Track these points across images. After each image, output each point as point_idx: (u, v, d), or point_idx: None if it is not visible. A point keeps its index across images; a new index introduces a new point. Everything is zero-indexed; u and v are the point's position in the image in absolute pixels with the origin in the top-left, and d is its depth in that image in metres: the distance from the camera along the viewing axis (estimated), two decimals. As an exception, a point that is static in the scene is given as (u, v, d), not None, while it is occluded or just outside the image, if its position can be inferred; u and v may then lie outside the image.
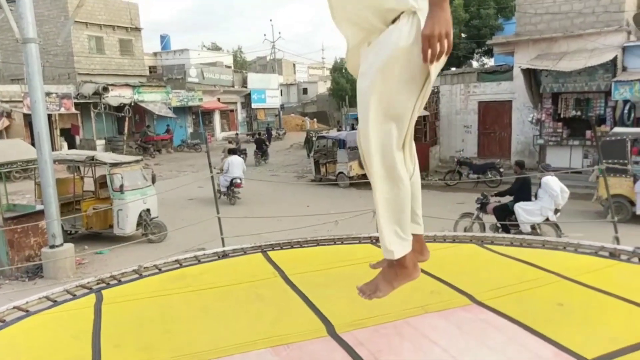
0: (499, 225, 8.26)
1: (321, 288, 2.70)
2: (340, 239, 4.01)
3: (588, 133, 14.28)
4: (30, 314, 2.78)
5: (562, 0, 15.27)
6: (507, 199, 8.51)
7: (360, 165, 15.39)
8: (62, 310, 2.77)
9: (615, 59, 13.66)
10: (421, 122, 17.56)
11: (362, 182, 13.99)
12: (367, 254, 3.54)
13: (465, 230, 8.27)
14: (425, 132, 17.91)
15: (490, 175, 14.48)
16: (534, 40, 15.52)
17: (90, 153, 10.89)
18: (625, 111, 13.40)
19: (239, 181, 13.10)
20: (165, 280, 3.17)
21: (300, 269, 2.98)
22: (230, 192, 13.17)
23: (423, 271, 2.31)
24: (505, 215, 8.26)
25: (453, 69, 23.58)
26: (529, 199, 8.14)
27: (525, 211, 7.93)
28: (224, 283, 2.83)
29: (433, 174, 16.79)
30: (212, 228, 7.25)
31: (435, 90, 18.41)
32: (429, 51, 1.43)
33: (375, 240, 3.94)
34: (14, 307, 2.90)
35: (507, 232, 7.93)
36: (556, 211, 7.87)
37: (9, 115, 20.38)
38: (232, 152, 14.90)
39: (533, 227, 7.94)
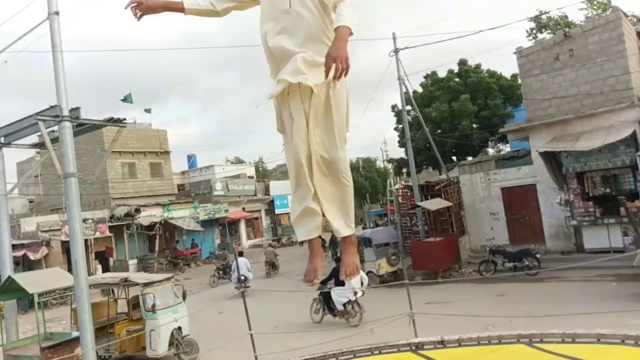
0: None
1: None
2: (378, 347, 3.84)
3: (623, 210, 13.90)
4: None
5: (567, 84, 15.76)
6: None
7: (389, 263, 15.31)
8: None
9: (634, 133, 13.71)
10: (445, 214, 17.43)
11: (391, 281, 13.66)
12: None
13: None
14: (452, 223, 17.70)
15: (527, 263, 13.94)
16: (547, 124, 15.80)
17: (124, 275, 11.09)
18: (656, 184, 13.14)
19: (243, 278, 15.20)
20: None
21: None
22: (240, 285, 14.38)
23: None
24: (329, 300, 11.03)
25: (470, 158, 23.95)
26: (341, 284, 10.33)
27: (337, 294, 10.87)
28: None
29: (466, 265, 16.31)
30: (245, 342, 7.07)
31: (456, 180, 18.52)
32: (333, 67, 1.84)
33: (414, 347, 3.75)
34: None
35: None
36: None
37: (48, 243, 21.15)
38: (240, 254, 17.12)
39: (344, 305, 10.85)
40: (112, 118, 9.61)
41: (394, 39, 17.68)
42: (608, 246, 14.30)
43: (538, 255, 14.08)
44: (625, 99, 14.56)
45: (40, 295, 8.49)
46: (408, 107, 20.36)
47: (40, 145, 11.30)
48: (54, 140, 9.12)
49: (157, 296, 9.66)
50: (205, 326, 11.32)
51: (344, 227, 2.35)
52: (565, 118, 15.46)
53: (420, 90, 27.93)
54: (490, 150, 28.72)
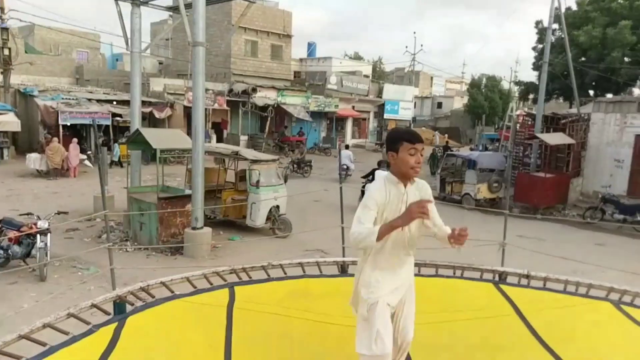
0: None
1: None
2: (462, 267, 3.89)
3: None
4: (176, 296, 3.22)
5: None
6: None
7: (489, 189, 14.87)
8: (201, 302, 3.16)
9: None
10: (564, 151, 16.21)
11: (487, 207, 13.38)
12: (488, 300, 3.37)
13: None
14: (568, 162, 16.48)
15: (639, 218, 12.85)
16: None
17: (235, 148, 11.96)
18: None
19: (345, 167, 17.06)
20: (290, 291, 3.42)
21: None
22: (342, 174, 16.11)
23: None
24: None
25: (609, 95, 21.37)
26: None
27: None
28: (343, 314, 2.85)
29: (571, 208, 15.41)
30: (334, 233, 7.57)
31: (586, 117, 16.87)
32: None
33: (498, 277, 3.77)
34: (161, 282, 3.41)
35: None
36: None
37: (172, 106, 23.13)
38: (346, 147, 20.32)
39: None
40: (245, -10, 9.75)
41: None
42: None
43: (657, 214, 12.91)
44: None
45: (162, 151, 9.34)
46: (555, 26, 18.16)
47: (174, 9, 11.88)
48: (188, 6, 9.55)
49: (262, 174, 10.43)
50: (301, 210, 12.16)
51: None
52: None
53: (574, 8, 24.63)
54: (636, 91, 25.30)
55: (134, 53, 11.15)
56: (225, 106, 25.81)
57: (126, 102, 18.12)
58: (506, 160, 15.72)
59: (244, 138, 26.81)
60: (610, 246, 10.97)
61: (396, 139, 2.45)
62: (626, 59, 22.59)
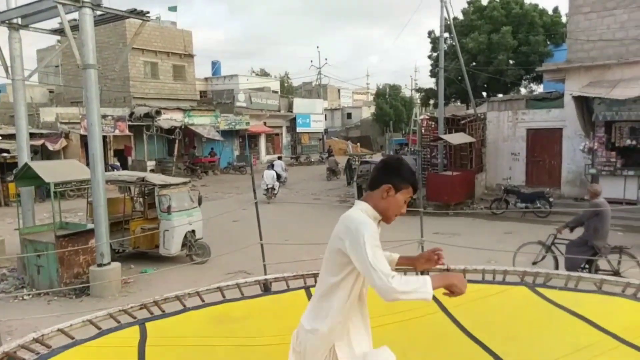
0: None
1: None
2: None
3: (645, 163, 13.55)
4: (76, 343, 2.82)
5: (616, 27, 14.77)
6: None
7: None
8: (106, 345, 2.79)
9: (676, 87, 13.00)
10: (467, 149, 17.23)
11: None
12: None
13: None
14: (471, 159, 17.54)
15: (539, 205, 13.94)
16: (586, 67, 15.05)
17: (141, 174, 11.29)
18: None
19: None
20: (209, 318, 3.14)
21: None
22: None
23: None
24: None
25: (500, 95, 23.15)
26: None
27: None
28: (269, 333, 2.72)
29: (479, 202, 16.36)
30: (255, 252, 7.32)
31: (482, 116, 18.09)
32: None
33: (420, 273, 3.77)
34: (59, 330, 2.99)
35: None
36: None
37: (67, 136, 21.51)
38: (279, 158, 22.24)
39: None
40: (135, 9, 9.30)
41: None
42: (622, 197, 14.12)
43: (551, 199, 14.08)
44: (676, 48, 13.66)
45: (56, 185, 8.56)
46: (446, 35, 19.35)
47: (60, 31, 11.01)
48: (75, 28, 8.90)
49: (173, 199, 9.90)
50: (219, 232, 11.71)
51: None
52: (607, 63, 14.67)
53: (461, 17, 26.51)
54: (523, 90, 27.71)
55: (16, 81, 10.14)
56: (127, 132, 24.48)
57: (13, 136, 16.52)
58: (416, 163, 16.36)
59: (151, 163, 25.56)
60: (517, 233, 11.70)
61: (405, 179, 2.16)
62: (511, 62, 24.68)
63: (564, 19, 23.86)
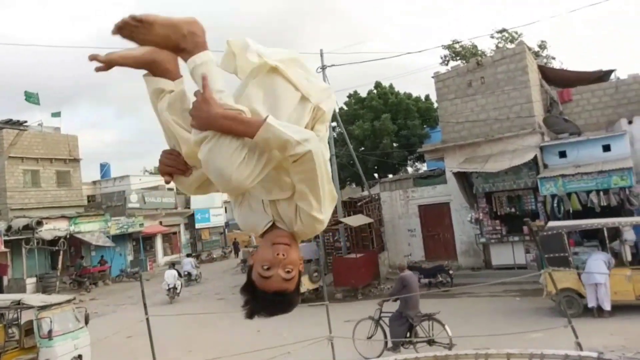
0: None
1: None
2: None
3: (525, 228, 14.84)
4: None
5: (479, 109, 16.74)
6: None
7: (311, 280, 15.22)
8: None
9: (535, 158, 14.77)
10: (367, 230, 17.70)
11: (313, 298, 13.54)
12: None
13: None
14: (372, 239, 17.99)
15: (440, 279, 14.46)
16: (460, 145, 16.63)
17: (17, 297, 9.95)
18: (555, 205, 14.17)
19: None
20: None
21: None
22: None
23: None
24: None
25: (390, 176, 24.66)
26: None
27: None
28: None
29: (385, 282, 16.59)
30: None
31: (377, 197, 18.92)
32: None
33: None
34: None
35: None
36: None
37: None
38: (187, 255, 22.19)
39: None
40: (11, 120, 8.71)
41: (322, 55, 17.85)
42: (512, 262, 15.22)
43: (451, 272, 14.68)
44: (528, 125, 15.71)
45: None
46: (333, 124, 20.55)
47: None
48: None
49: (55, 321, 8.74)
50: (110, 353, 10.45)
51: None
52: (476, 141, 16.36)
53: (345, 108, 28.50)
54: (410, 169, 29.82)
55: None
56: (3, 248, 21.91)
57: None
58: (319, 248, 16.40)
59: (31, 281, 22.82)
60: (432, 308, 11.87)
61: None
62: (395, 144, 26.68)
63: (435, 105, 26.71)
